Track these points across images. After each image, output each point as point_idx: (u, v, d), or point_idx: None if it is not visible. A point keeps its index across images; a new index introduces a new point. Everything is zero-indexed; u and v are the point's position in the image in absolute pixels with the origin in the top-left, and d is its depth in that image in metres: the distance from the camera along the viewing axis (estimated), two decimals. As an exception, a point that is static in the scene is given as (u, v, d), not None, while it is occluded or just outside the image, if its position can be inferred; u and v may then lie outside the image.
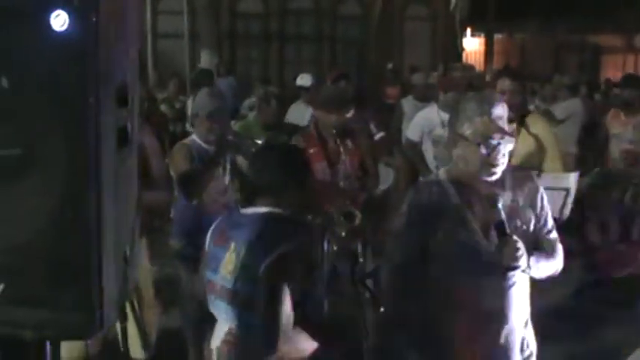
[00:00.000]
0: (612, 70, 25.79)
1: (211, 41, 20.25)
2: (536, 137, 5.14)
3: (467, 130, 3.19)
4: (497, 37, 29.04)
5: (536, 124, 5.26)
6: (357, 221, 4.81)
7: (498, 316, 3.31)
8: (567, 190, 4.71)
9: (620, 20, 27.04)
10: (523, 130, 5.18)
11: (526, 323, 3.45)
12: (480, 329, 3.33)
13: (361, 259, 3.26)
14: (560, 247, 3.41)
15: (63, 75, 1.70)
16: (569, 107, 10.67)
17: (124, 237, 1.95)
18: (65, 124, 1.72)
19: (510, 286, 3.28)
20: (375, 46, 22.33)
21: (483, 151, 3.15)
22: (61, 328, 1.78)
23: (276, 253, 3.04)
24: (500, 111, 3.20)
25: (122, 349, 3.11)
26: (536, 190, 3.36)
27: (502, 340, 3.34)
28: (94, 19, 1.70)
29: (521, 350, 3.42)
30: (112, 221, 1.82)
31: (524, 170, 3.51)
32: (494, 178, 3.23)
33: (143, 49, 17.78)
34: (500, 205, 3.17)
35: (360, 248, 3.57)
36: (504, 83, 5.38)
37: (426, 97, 9.70)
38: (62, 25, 1.69)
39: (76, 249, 1.74)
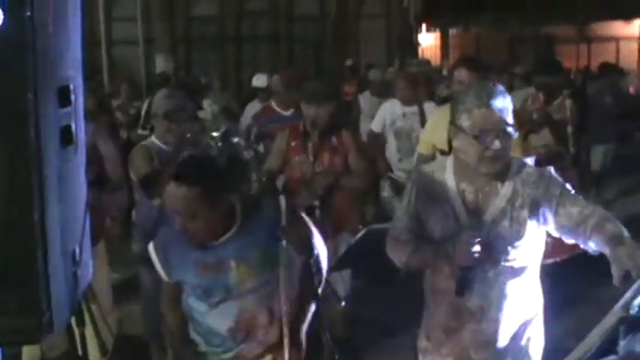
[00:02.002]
0: (566, 60, 26.05)
1: (167, 46, 20.18)
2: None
3: (465, 121, 3.07)
4: (452, 31, 29.31)
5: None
6: (317, 215, 4.82)
7: (480, 309, 3.24)
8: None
9: (572, 11, 27.41)
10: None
11: (526, 318, 3.33)
12: (459, 321, 3.29)
13: (316, 252, 3.25)
14: (598, 210, 3.06)
15: (-1, 72, 1.66)
16: (525, 95, 10.78)
17: (71, 237, 1.91)
18: (4, 123, 1.67)
19: (496, 278, 3.19)
20: (332, 45, 22.38)
21: (480, 144, 3.04)
22: (8, 333, 1.74)
23: None
24: (501, 103, 3.06)
25: (80, 353, 3.06)
26: (540, 182, 3.15)
27: (483, 335, 3.27)
28: (28, 14, 1.66)
29: (515, 348, 3.32)
30: (58, 221, 1.79)
31: (533, 166, 3.33)
32: (493, 171, 3.13)
33: (98, 56, 17.68)
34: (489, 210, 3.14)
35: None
36: (461, 74, 5.36)
37: (382, 92, 9.77)
38: (-4, 22, 1.65)
39: (20, 250, 1.69)
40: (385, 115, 7.43)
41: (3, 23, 1.66)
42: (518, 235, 3.13)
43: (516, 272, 3.20)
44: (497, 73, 12.26)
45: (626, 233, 2.79)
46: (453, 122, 3.19)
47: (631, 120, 12.77)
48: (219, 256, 3.26)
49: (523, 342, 3.34)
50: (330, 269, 4.45)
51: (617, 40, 28.53)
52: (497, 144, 3.02)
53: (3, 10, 1.67)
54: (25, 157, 1.69)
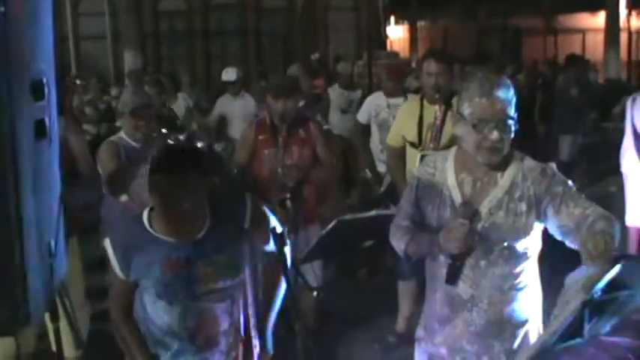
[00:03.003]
0: (533, 51, 26.30)
1: (135, 41, 20.05)
2: (452, 114, 5.19)
3: (466, 110, 3.09)
4: (421, 23, 29.38)
5: (461, 103, 5.32)
6: (289, 209, 4.86)
7: (472, 298, 3.24)
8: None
9: (538, 3, 27.62)
10: (449, 112, 5.23)
11: (521, 315, 3.30)
12: (452, 310, 3.29)
13: (288, 241, 3.25)
14: (598, 210, 3.03)
15: (-28, 67, 1.68)
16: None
17: (47, 229, 1.93)
18: (-22, 118, 1.69)
19: (488, 268, 3.18)
20: (300, 38, 22.39)
21: (478, 133, 3.05)
22: (-15, 324, 1.76)
23: None
24: (503, 94, 3.05)
25: (55, 348, 3.06)
26: (543, 178, 3.15)
27: (475, 326, 3.27)
28: (2, 10, 1.68)
29: (508, 345, 3.29)
30: (34, 214, 1.81)
31: (536, 160, 3.24)
32: (492, 162, 3.13)
33: (65, 52, 17.58)
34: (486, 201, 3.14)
35: (286, 233, 3.57)
36: (430, 66, 5.40)
37: (351, 85, 9.82)
38: (-31, 17, 1.67)
39: (-4, 244, 1.72)
40: (370, 106, 7.50)
41: (-25, 18, 1.68)
42: (514, 227, 3.13)
43: (510, 264, 3.20)
44: (460, 66, 12.37)
45: (613, 232, 2.82)
46: (456, 109, 3.21)
47: (597, 110, 12.94)
48: (188, 254, 3.22)
49: (518, 340, 3.30)
50: (302, 260, 4.50)
51: (583, 31, 28.78)
52: (495, 135, 3.03)
53: (-25, 4, 1.69)
54: (0, 151, 1.71)
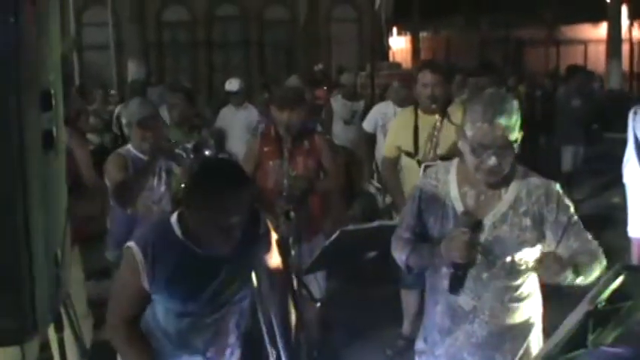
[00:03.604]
0: (535, 62, 26.36)
1: (138, 51, 20.12)
2: (457, 126, 5.20)
3: (468, 130, 3.07)
4: (423, 34, 29.43)
5: (457, 114, 5.32)
6: (292, 220, 4.85)
7: (474, 310, 3.25)
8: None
9: (541, 14, 27.71)
10: (446, 121, 5.26)
11: (522, 326, 3.33)
12: (453, 321, 3.31)
13: (293, 252, 3.24)
14: (592, 247, 3.16)
15: (-18, 79, 1.69)
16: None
17: (54, 239, 1.94)
18: (-13, 129, 1.70)
19: (490, 280, 3.20)
20: (303, 49, 22.44)
21: (477, 157, 3.06)
22: (-7, 333, 1.76)
23: None
24: (506, 121, 3.00)
25: (59, 358, 3.05)
26: (549, 200, 3.17)
27: (476, 337, 3.29)
28: (12, 21, 1.69)
29: (509, 356, 3.31)
30: (41, 223, 1.81)
31: (542, 177, 3.27)
32: (490, 182, 3.15)
33: (69, 62, 17.61)
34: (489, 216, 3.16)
35: (291, 244, 3.57)
36: (425, 76, 5.42)
37: (354, 96, 9.87)
38: (-21, 28, 1.68)
39: (4, 253, 1.72)
40: (377, 115, 7.51)
41: (-14, 30, 1.69)
42: (518, 241, 3.14)
43: (511, 277, 3.22)
44: (463, 77, 12.39)
45: (584, 266, 3.00)
46: (460, 125, 3.20)
47: (599, 121, 12.95)
48: (217, 265, 3.15)
49: (519, 352, 3.32)
50: (305, 271, 4.50)
51: (585, 42, 28.86)
52: (493, 160, 3.02)
53: (-15, 16, 1.70)
54: (9, 161, 1.71)
